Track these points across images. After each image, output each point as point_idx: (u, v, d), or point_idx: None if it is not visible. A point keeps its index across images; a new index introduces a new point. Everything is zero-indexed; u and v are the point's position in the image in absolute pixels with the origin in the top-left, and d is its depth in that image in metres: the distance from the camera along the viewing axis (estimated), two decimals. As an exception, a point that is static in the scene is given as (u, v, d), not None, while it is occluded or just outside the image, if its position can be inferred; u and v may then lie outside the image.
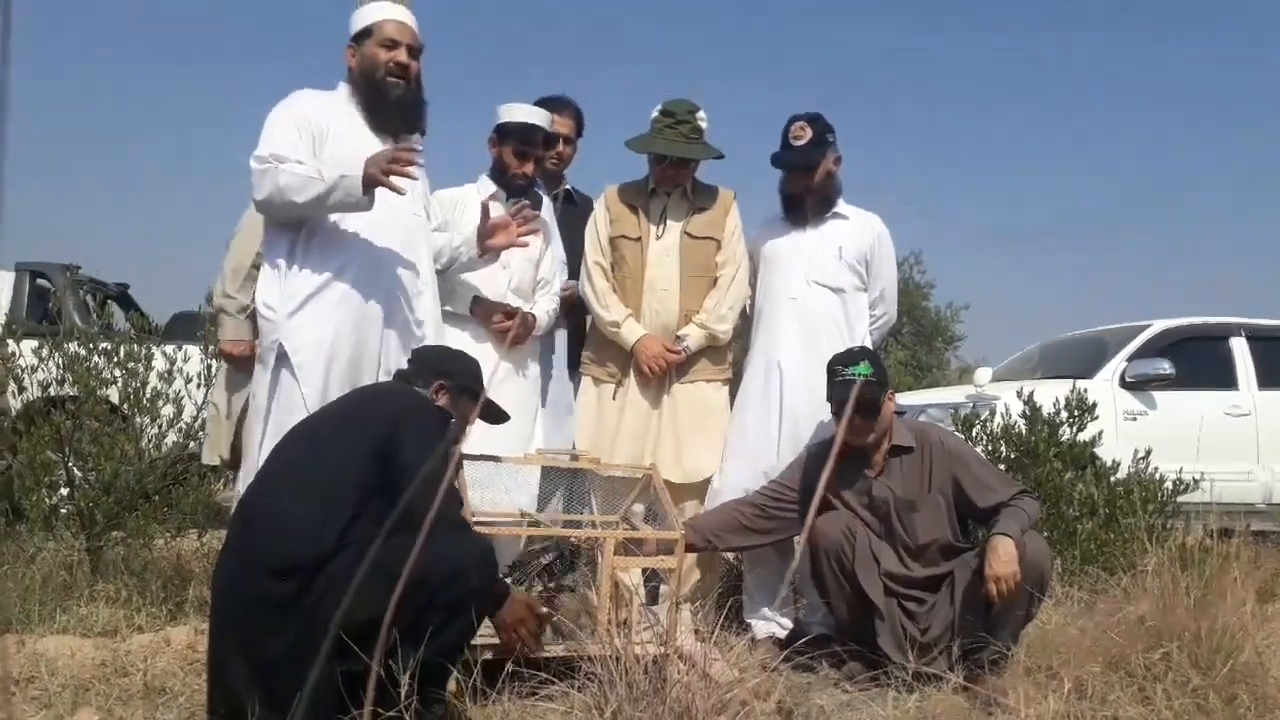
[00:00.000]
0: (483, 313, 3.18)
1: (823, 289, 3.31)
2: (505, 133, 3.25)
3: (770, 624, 3.20)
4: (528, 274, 3.30)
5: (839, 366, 2.91)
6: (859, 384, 2.76)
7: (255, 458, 2.54)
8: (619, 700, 1.82)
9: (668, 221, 3.36)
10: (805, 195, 3.34)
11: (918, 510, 2.83)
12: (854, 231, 3.37)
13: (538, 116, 3.28)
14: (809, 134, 3.29)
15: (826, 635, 2.90)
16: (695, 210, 3.37)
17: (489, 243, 2.98)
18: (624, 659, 1.90)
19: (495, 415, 2.63)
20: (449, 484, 2.25)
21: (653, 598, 3.21)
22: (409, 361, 2.48)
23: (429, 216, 2.92)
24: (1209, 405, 5.46)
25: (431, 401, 2.32)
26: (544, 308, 3.31)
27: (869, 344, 3.31)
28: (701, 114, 3.31)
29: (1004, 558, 2.58)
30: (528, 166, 3.26)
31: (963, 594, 2.70)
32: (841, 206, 3.40)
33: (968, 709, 2.36)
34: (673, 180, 3.36)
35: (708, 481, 3.30)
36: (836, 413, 2.97)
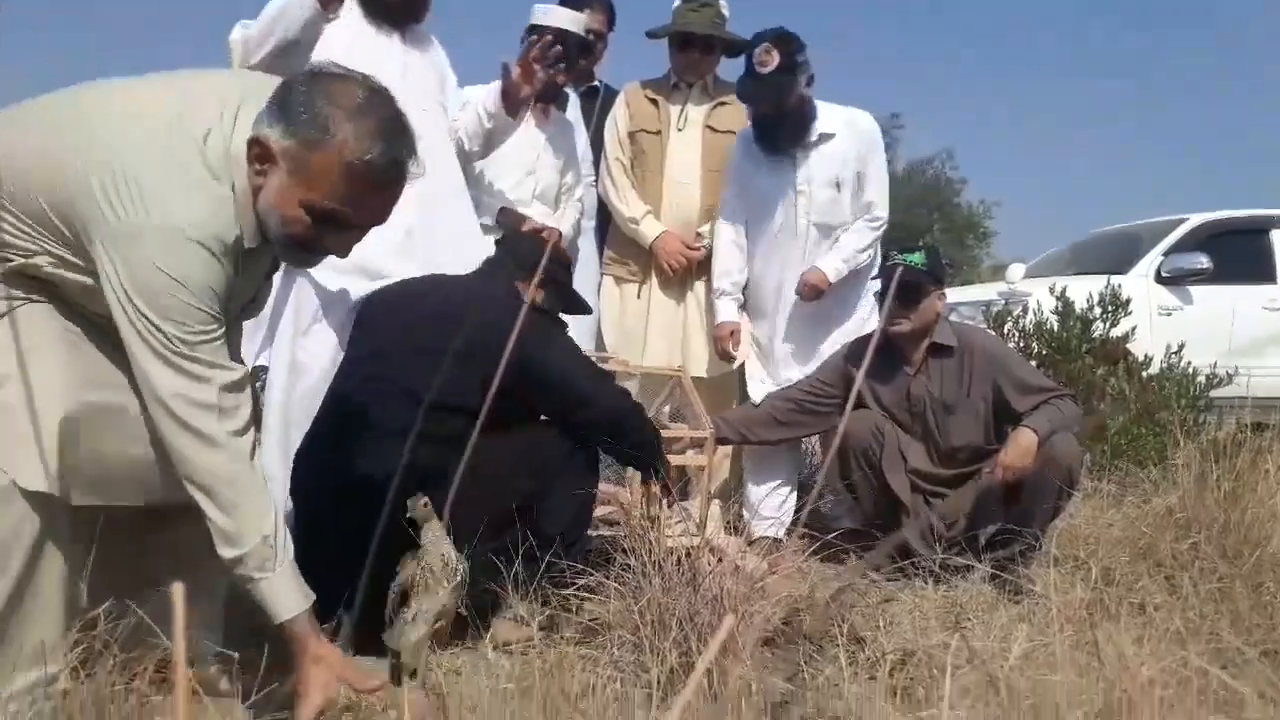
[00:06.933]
0: (509, 224, 3.03)
1: (826, 227, 3.10)
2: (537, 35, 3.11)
3: (766, 523, 3.11)
4: (553, 180, 3.18)
5: (893, 251, 2.86)
6: (901, 269, 2.69)
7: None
8: (653, 591, 1.86)
9: (688, 115, 3.28)
10: (779, 124, 3.04)
11: (953, 414, 2.82)
12: (844, 149, 3.08)
13: (573, 23, 3.06)
14: (776, 59, 2.92)
15: (854, 529, 2.94)
16: (717, 104, 3.29)
17: (517, 95, 2.73)
18: (657, 552, 1.94)
19: (582, 308, 2.60)
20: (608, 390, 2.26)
21: (683, 494, 3.26)
22: (498, 245, 2.34)
23: (445, 111, 2.75)
24: (1246, 300, 5.37)
25: (533, 311, 2.23)
26: (570, 219, 3.21)
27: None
28: (724, 0, 3.22)
29: (1021, 448, 2.59)
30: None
31: (986, 487, 2.73)
32: (824, 121, 3.08)
33: (996, 596, 2.41)
34: (695, 69, 3.27)
35: (736, 382, 3.31)
36: (879, 293, 2.93)
